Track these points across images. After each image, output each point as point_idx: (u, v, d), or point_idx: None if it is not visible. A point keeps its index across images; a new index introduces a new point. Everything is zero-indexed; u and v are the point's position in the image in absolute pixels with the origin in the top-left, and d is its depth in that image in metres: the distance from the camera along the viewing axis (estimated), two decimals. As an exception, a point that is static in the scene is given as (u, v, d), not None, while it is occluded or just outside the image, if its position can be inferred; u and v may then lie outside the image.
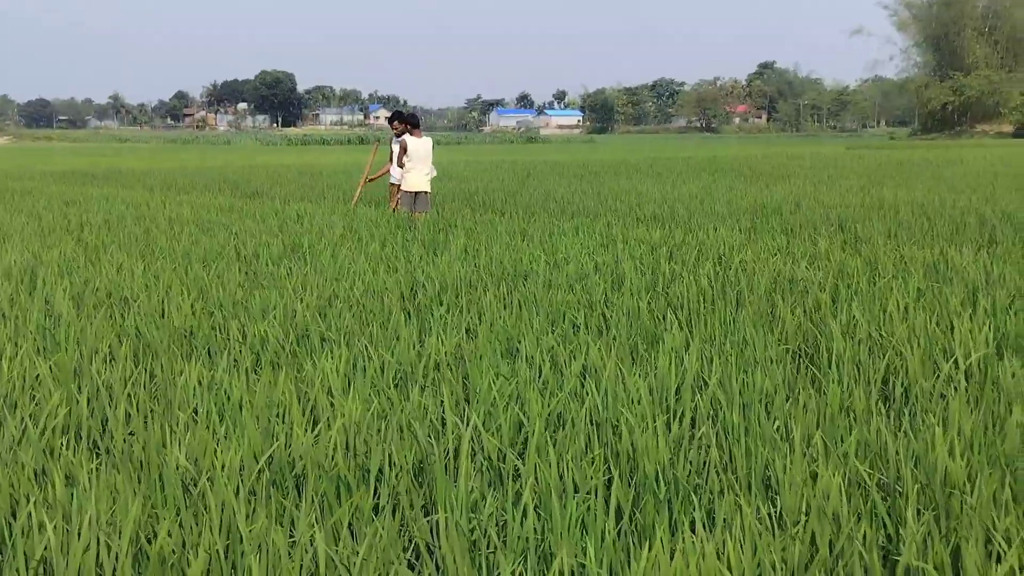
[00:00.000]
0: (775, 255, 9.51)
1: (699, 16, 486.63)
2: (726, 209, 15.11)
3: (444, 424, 4.48)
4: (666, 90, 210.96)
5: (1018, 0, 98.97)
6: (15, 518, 3.58)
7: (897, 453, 3.91)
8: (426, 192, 14.05)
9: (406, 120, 14.19)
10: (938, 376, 5.12)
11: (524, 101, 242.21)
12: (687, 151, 56.26)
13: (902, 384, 5.06)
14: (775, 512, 3.60)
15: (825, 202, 16.26)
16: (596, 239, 10.96)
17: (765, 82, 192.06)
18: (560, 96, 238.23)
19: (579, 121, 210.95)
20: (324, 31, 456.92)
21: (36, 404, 4.72)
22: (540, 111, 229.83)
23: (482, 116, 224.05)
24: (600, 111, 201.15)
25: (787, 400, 4.70)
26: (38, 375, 5.22)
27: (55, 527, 3.35)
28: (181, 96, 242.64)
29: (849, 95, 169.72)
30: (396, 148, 14.29)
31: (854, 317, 6.35)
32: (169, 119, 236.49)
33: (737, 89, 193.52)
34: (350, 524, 3.55)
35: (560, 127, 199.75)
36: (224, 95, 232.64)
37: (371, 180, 16.00)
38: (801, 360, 5.65)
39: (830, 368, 5.25)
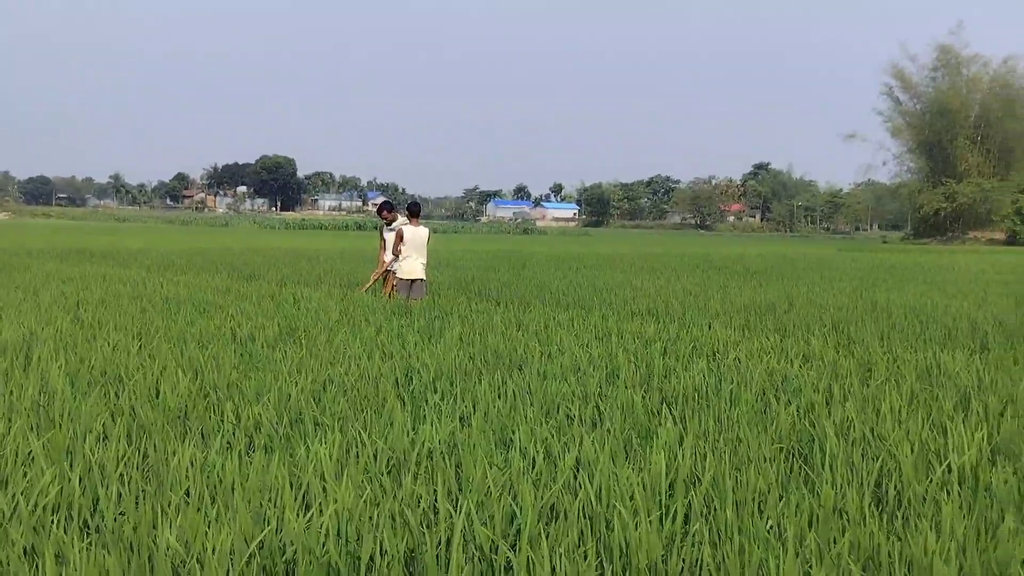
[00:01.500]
0: (769, 353, 9.55)
1: (696, 115, 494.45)
2: (720, 306, 15.19)
3: (436, 513, 4.46)
4: (662, 187, 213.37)
5: (1009, 110, 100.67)
6: (2, 595, 3.55)
7: (890, 556, 3.90)
8: (422, 279, 14.18)
9: (408, 208, 14.40)
10: (931, 480, 5.13)
11: (521, 193, 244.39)
12: (681, 247, 56.69)
13: (895, 487, 5.06)
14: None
15: (818, 302, 16.36)
16: (591, 331, 11.01)
17: (759, 182, 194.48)
18: (557, 189, 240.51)
19: (575, 214, 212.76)
20: (325, 118, 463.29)
21: (28, 481, 4.70)
22: (537, 203, 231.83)
23: (479, 206, 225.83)
24: (596, 205, 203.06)
25: (780, 499, 4.70)
26: (31, 452, 5.20)
27: (43, 606, 3.32)
28: (181, 177, 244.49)
29: (842, 198, 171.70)
30: (389, 236, 14.48)
31: (848, 418, 6.37)
32: (168, 200, 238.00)
33: (732, 188, 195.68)
34: (340, 612, 3.52)
35: (556, 219, 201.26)
36: (224, 178, 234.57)
37: (376, 279, 15.73)
38: (794, 459, 5.65)
39: (823, 468, 5.25)
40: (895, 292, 19.67)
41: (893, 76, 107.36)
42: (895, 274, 27.91)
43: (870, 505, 4.69)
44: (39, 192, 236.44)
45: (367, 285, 15.78)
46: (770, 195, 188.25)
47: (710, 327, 12.05)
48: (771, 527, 4.32)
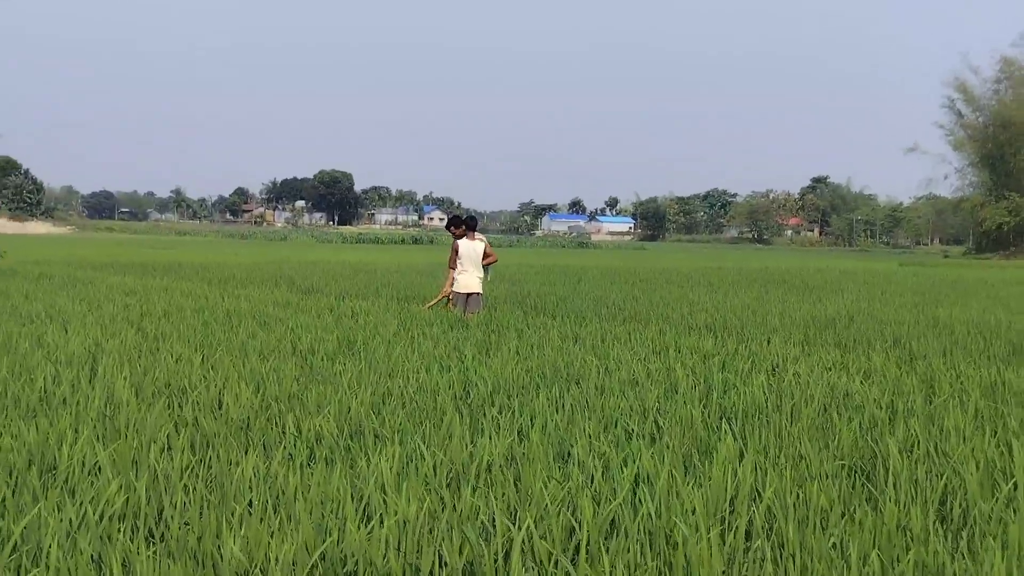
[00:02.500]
0: (829, 369, 9.45)
1: (754, 128, 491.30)
2: (779, 321, 15.05)
3: (495, 526, 4.47)
4: (718, 200, 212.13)
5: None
6: (72, 602, 3.62)
7: (955, 575, 3.84)
8: (478, 293, 14.23)
9: (464, 222, 14.48)
10: (997, 498, 5.04)
11: (576, 207, 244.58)
12: (739, 261, 56.28)
13: (960, 505, 4.98)
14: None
15: (879, 317, 16.15)
16: (648, 345, 10.97)
17: (818, 196, 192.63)
18: (612, 203, 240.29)
19: (630, 228, 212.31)
20: (383, 133, 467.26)
21: (95, 491, 4.79)
22: (592, 217, 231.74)
23: (534, 220, 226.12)
24: (652, 219, 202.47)
25: (843, 517, 4.64)
26: (97, 462, 5.30)
27: (111, 613, 3.38)
28: (241, 192, 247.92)
29: (902, 212, 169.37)
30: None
31: (912, 434, 6.28)
32: (228, 214, 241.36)
33: (790, 202, 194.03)
34: (401, 623, 3.54)
35: (611, 233, 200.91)
36: (283, 192, 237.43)
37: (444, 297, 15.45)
38: (857, 476, 5.58)
39: (887, 486, 5.18)
40: (957, 307, 19.36)
41: (955, 89, 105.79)
42: (957, 289, 27.47)
43: (935, 523, 4.62)
44: (102, 206, 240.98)
45: (432, 302, 15.60)
46: (829, 209, 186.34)
47: (769, 342, 11.94)
48: (834, 544, 4.28)
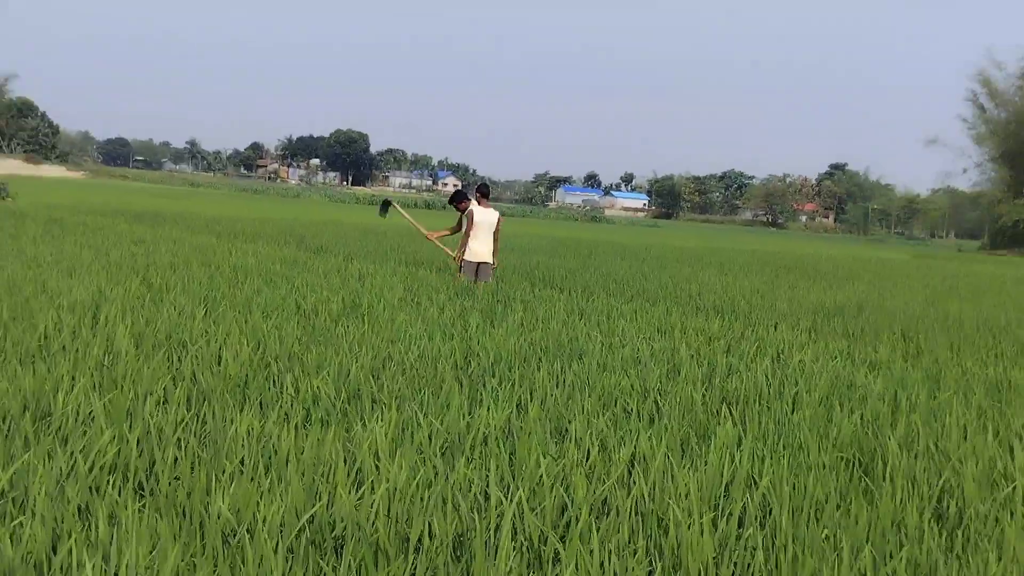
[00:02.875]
0: (835, 358, 9.38)
1: (774, 112, 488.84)
2: (787, 307, 14.98)
3: (487, 499, 4.44)
4: (734, 182, 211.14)
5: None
6: (55, 552, 3.60)
7: (949, 576, 3.80)
8: (489, 263, 14.16)
9: (478, 189, 14.43)
10: (995, 499, 4.99)
11: (592, 180, 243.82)
12: (752, 244, 56.10)
13: (957, 504, 4.93)
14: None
15: (889, 309, 16.06)
16: (654, 324, 10.91)
17: (835, 183, 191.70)
18: (628, 179, 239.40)
19: (645, 204, 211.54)
20: (401, 96, 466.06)
21: (87, 440, 4.76)
22: (607, 191, 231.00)
23: (548, 192, 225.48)
24: (667, 197, 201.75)
25: (838, 509, 4.60)
26: (91, 411, 5.28)
27: (94, 565, 3.36)
28: (256, 147, 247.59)
29: (919, 203, 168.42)
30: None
31: (913, 429, 6.22)
32: (243, 168, 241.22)
33: (806, 187, 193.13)
34: (385, 593, 3.52)
35: (625, 209, 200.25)
36: (298, 149, 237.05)
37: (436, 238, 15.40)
38: (855, 469, 5.53)
39: (884, 480, 5.14)
40: (968, 303, 19.24)
41: (979, 83, 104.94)
42: (970, 284, 27.33)
43: (930, 521, 4.57)
44: (117, 153, 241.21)
45: (439, 240, 15.32)
46: (845, 196, 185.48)
47: (776, 327, 11.88)
48: (827, 537, 4.23)
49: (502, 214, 14.74)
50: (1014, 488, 5.14)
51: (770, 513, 4.47)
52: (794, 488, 4.77)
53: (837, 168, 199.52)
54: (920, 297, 20.03)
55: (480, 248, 14.10)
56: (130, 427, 5.06)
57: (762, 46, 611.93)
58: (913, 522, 4.43)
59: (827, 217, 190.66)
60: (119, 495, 4.14)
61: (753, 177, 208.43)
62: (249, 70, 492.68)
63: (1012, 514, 4.81)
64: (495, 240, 14.25)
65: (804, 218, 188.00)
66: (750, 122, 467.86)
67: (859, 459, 5.75)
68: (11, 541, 3.60)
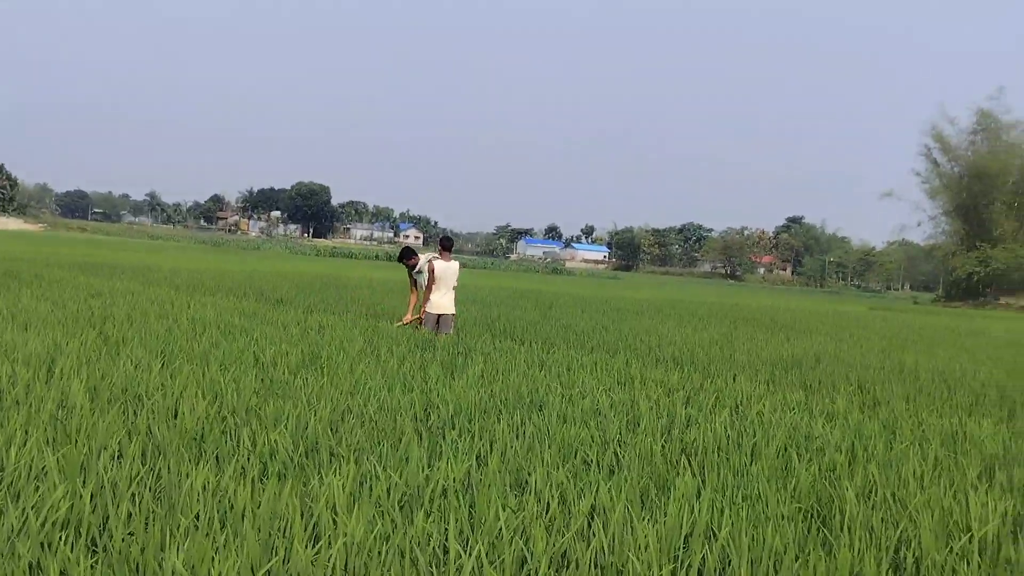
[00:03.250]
0: (793, 410, 9.44)
1: (731, 166, 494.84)
2: (746, 358, 15.07)
3: (447, 553, 4.41)
4: (693, 234, 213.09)
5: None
6: (4, 611, 3.53)
7: (906, 626, 3.81)
8: (451, 314, 14.19)
9: (440, 242, 14.53)
10: (951, 549, 5.02)
11: (552, 233, 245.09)
12: (710, 296, 56.49)
13: (914, 554, 4.96)
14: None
15: (846, 360, 16.20)
16: (614, 376, 10.93)
17: (792, 235, 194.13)
18: (588, 231, 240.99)
19: (605, 256, 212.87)
20: (361, 148, 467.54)
21: (40, 496, 4.68)
22: (567, 244, 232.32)
23: (510, 243, 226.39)
24: (626, 248, 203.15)
25: (796, 560, 4.61)
26: (44, 466, 5.19)
27: (43, 624, 3.29)
28: (216, 199, 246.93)
29: (875, 256, 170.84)
30: (420, 278, 14.56)
31: (870, 480, 6.26)
32: (203, 220, 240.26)
33: (764, 240, 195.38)
34: (342, 649, 3.47)
35: (586, 261, 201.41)
36: (259, 201, 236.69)
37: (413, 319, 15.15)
38: (813, 520, 5.55)
39: (842, 531, 5.16)
40: (924, 355, 19.46)
41: (932, 138, 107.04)
42: (925, 336, 27.64)
43: (887, 572, 4.59)
44: (76, 206, 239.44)
45: (402, 322, 15.47)
46: (802, 249, 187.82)
47: (735, 379, 11.94)
48: (786, 588, 4.24)
49: (462, 265, 14.82)
50: (970, 538, 5.17)
51: (729, 564, 4.47)
52: (753, 539, 4.77)
53: (794, 221, 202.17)
54: (876, 348, 20.23)
55: (441, 300, 14.15)
56: (83, 482, 4.99)
57: (719, 100, 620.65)
58: (871, 573, 4.45)
59: (784, 269, 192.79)
60: (71, 551, 4.07)
61: (712, 230, 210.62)
62: (210, 122, 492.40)
63: (968, 563, 4.84)
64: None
65: (762, 270, 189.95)
66: (709, 175, 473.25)
67: (817, 510, 5.77)
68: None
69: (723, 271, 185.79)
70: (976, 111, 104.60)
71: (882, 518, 5.48)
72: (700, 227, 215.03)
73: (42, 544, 4.14)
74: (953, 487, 6.32)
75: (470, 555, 4.12)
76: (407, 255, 15.00)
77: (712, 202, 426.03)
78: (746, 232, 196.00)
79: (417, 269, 14.70)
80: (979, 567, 4.80)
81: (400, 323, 15.31)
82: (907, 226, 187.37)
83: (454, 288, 14.37)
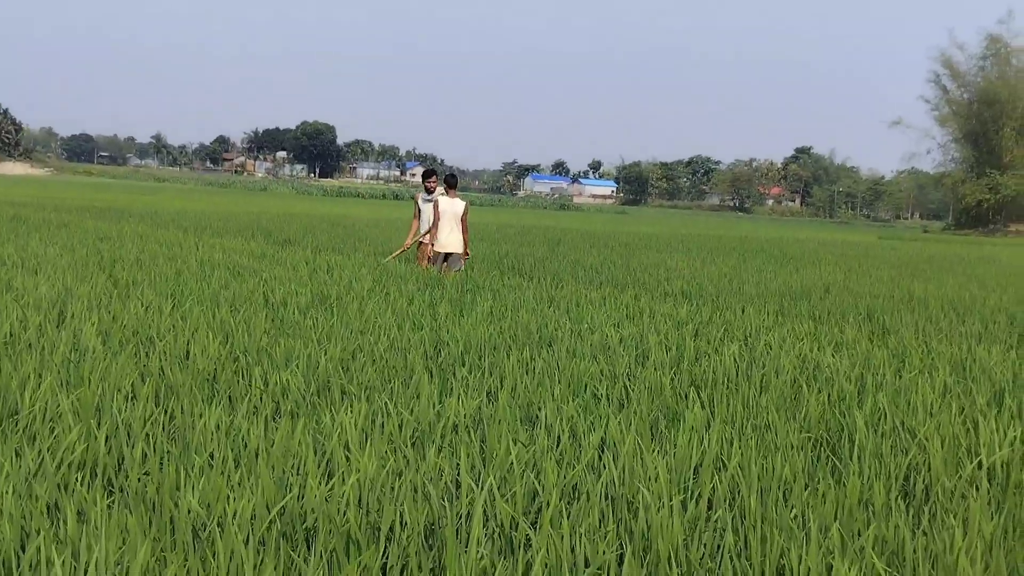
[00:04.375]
0: (802, 340, 9.45)
1: (739, 97, 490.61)
2: (755, 290, 15.07)
3: (459, 487, 4.45)
4: (701, 167, 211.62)
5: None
6: (24, 551, 3.58)
7: (915, 552, 3.85)
8: (458, 253, 14.18)
9: (445, 180, 14.46)
10: (961, 476, 5.05)
11: (560, 168, 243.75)
12: (719, 229, 56.35)
13: (923, 481, 4.99)
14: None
15: (855, 290, 16.19)
16: (623, 311, 10.94)
17: (801, 166, 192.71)
18: (595, 166, 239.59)
19: (613, 192, 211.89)
20: (368, 87, 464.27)
21: (55, 438, 4.73)
22: (575, 179, 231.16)
23: (517, 180, 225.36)
24: (634, 183, 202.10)
25: (806, 489, 4.64)
26: (59, 409, 5.24)
27: (63, 562, 3.34)
28: (222, 140, 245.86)
29: (884, 185, 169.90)
30: (425, 207, 14.55)
31: (879, 409, 6.29)
32: (209, 162, 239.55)
33: (772, 171, 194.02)
34: (357, 582, 3.52)
35: (593, 196, 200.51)
36: (264, 142, 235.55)
37: (407, 248, 15.55)
38: (822, 449, 5.59)
39: (851, 459, 5.19)
40: (933, 283, 19.43)
41: (941, 64, 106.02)
42: (934, 265, 27.59)
43: (897, 499, 4.63)
44: (81, 149, 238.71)
45: (395, 253, 15.82)
46: (811, 180, 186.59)
47: (743, 311, 11.95)
48: (795, 516, 4.28)
49: (470, 203, 14.78)
50: (979, 464, 5.21)
51: (739, 494, 4.51)
52: (762, 469, 4.81)
53: (803, 152, 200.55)
54: (885, 278, 20.21)
55: (448, 239, 14.12)
56: (98, 424, 5.03)
57: (726, 32, 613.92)
58: (880, 500, 4.48)
59: (793, 201, 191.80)
60: (88, 492, 4.12)
61: (720, 162, 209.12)
62: (214, 64, 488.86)
63: (977, 489, 4.88)
64: (464, 230, 14.27)
65: (771, 202, 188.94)
66: (716, 108, 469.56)
67: (826, 439, 5.81)
68: (-21, 540, 3.57)
69: (732, 204, 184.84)
70: (985, 36, 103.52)
71: (891, 446, 5.51)
72: (708, 160, 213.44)
73: (59, 485, 4.19)
74: (962, 414, 6.35)
75: (482, 489, 4.16)
76: (429, 175, 15.07)
77: (720, 135, 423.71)
78: (754, 164, 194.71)
79: (428, 198, 14.66)
80: (988, 493, 4.83)
81: (392, 256, 15.45)
82: (916, 154, 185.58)
83: (462, 227, 14.32)
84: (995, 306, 14.48)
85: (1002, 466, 5.22)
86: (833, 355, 8.55)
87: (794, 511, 4.32)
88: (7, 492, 3.90)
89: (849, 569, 3.51)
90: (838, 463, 5.25)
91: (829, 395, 6.72)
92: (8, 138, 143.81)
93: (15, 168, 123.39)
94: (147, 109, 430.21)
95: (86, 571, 3.38)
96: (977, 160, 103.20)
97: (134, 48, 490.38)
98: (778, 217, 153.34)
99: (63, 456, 4.44)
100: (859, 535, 4.08)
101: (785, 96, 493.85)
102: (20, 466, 4.28)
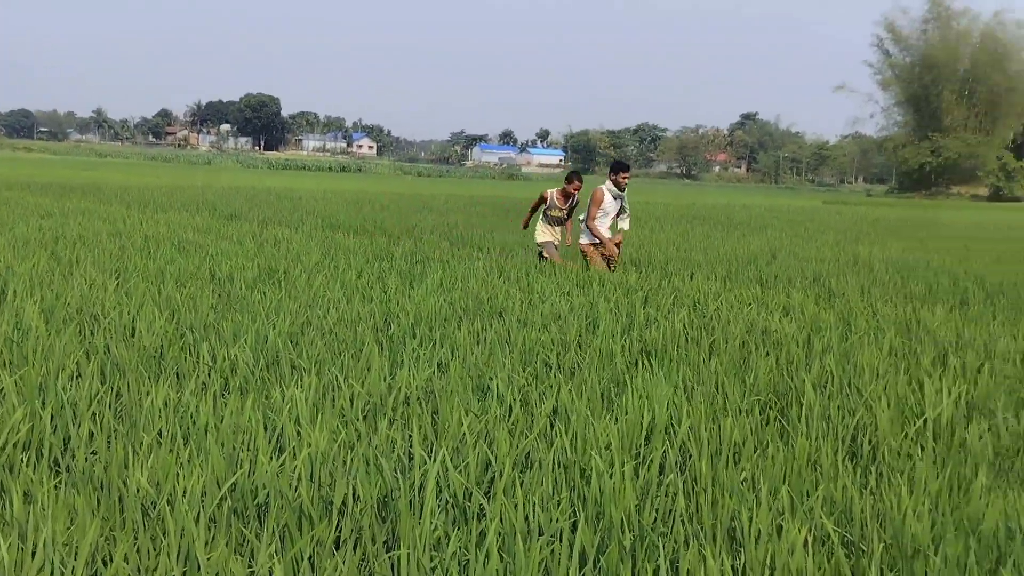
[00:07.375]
0: (749, 305, 9.54)
1: (684, 64, 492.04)
2: (702, 257, 15.18)
3: (411, 459, 4.44)
4: (648, 135, 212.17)
5: (997, 65, 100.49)
6: (-31, 534, 3.52)
7: (863, 511, 3.90)
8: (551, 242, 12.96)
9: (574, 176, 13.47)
10: (906, 435, 5.13)
11: (508, 138, 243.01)
12: (666, 197, 56.60)
13: (870, 441, 5.07)
14: (740, 565, 3.57)
15: (800, 255, 16.36)
16: (572, 280, 10.96)
17: (746, 133, 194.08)
18: (543, 135, 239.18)
19: (561, 161, 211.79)
20: (311, 57, 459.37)
21: (-2, 418, 4.65)
22: (523, 149, 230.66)
23: (465, 150, 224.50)
24: (582, 152, 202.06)
25: (755, 451, 4.69)
26: (2, 389, 5.15)
27: (10, 545, 3.29)
28: (164, 114, 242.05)
29: (829, 150, 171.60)
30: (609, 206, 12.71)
31: (827, 371, 6.37)
32: (151, 136, 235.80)
33: (719, 138, 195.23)
34: (311, 557, 3.50)
35: (542, 165, 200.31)
36: (208, 115, 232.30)
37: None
38: (771, 412, 5.65)
39: (799, 421, 5.25)
40: (877, 246, 19.70)
41: (885, 28, 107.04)
42: (878, 228, 27.95)
43: (844, 459, 4.70)
44: (20, 125, 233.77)
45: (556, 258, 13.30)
46: (756, 146, 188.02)
47: (692, 277, 12.02)
48: (745, 479, 4.32)
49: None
50: (924, 422, 5.29)
51: (690, 458, 4.54)
52: (712, 433, 4.85)
53: (748, 118, 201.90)
54: (831, 242, 20.45)
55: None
56: (43, 403, 4.95)
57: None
58: (828, 461, 4.55)
59: (739, 167, 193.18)
60: (34, 473, 4.05)
61: (666, 130, 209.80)
62: (155, 36, 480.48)
63: (923, 448, 4.96)
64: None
65: (717, 168, 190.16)
66: (662, 75, 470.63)
67: (775, 402, 5.87)
68: (-78, 525, 3.51)
69: (679, 171, 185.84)
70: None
71: (839, 407, 5.58)
72: (655, 127, 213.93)
73: (4, 466, 4.12)
74: (908, 374, 6.45)
75: (435, 460, 4.15)
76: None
77: (666, 102, 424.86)
78: (701, 131, 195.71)
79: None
80: (934, 451, 4.91)
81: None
82: (860, 119, 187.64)
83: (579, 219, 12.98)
84: (938, 268, 14.71)
85: (947, 423, 5.32)
86: (781, 319, 8.63)
87: (744, 474, 4.37)
88: (-50, 475, 3.83)
89: (799, 530, 3.55)
90: (787, 425, 5.31)
91: (778, 359, 6.79)
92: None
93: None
94: (87, 83, 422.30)
95: (34, 553, 3.33)
96: (919, 124, 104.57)
97: (73, 22, 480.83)
98: (725, 183, 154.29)
99: (7, 437, 4.35)
100: (808, 496, 4.13)
101: (730, 62, 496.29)
102: (-37, 448, 4.20)
